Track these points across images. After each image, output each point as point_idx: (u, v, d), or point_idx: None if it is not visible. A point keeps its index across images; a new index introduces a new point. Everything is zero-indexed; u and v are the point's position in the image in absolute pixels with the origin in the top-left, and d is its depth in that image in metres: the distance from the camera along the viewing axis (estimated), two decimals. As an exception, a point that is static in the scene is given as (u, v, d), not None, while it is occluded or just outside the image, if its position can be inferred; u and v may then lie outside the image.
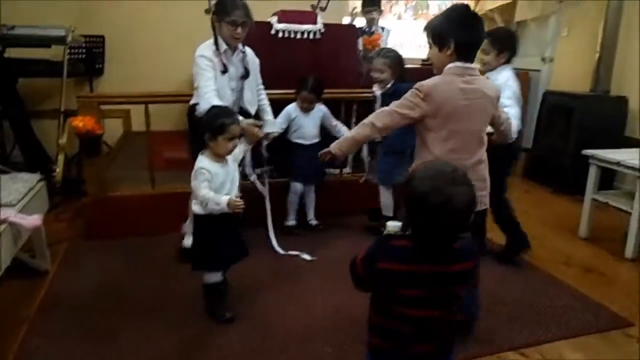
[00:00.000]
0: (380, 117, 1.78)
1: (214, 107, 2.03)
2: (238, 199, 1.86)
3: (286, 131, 2.83)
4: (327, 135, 2.82)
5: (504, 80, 2.39)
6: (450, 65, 1.68)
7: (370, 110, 2.64)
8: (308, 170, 2.82)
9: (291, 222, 2.96)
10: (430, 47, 1.74)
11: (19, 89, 3.58)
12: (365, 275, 1.23)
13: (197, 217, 1.94)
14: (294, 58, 3.04)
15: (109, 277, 2.35)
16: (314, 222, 2.99)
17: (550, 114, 4.20)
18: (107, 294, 2.20)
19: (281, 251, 2.65)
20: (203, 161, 1.87)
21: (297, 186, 2.88)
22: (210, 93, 2.24)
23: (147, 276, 2.37)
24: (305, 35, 3.07)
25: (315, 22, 3.08)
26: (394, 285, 1.16)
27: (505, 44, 2.45)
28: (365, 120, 1.82)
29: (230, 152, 1.91)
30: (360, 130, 1.83)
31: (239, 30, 2.29)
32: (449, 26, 1.68)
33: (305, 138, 2.84)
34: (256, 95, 2.57)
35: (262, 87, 2.63)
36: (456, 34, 1.66)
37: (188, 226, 2.47)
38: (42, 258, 2.36)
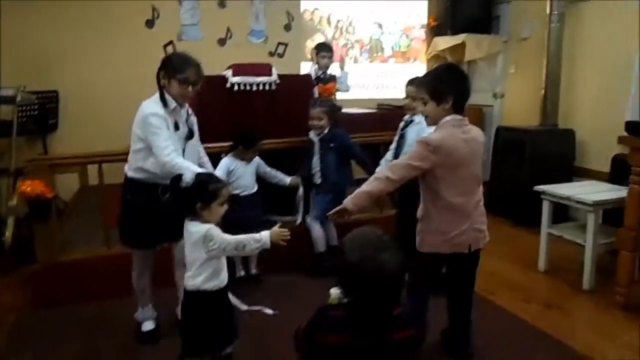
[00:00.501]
0: (394, 170, 1.91)
1: (198, 174, 1.90)
2: (282, 229, 1.82)
3: None
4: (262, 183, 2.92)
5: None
6: (448, 118, 1.89)
7: (308, 154, 2.96)
8: (248, 220, 2.69)
9: (239, 272, 2.90)
10: (426, 103, 1.95)
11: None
12: (307, 347, 1.21)
13: (190, 295, 1.76)
14: (251, 110, 3.07)
15: (60, 352, 2.22)
16: (253, 271, 2.93)
17: (504, 148, 4.35)
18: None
19: (244, 307, 2.58)
20: (206, 225, 1.75)
21: None
22: (174, 154, 2.06)
23: (104, 348, 2.26)
24: (261, 87, 3.11)
25: (270, 74, 3.13)
26: (333, 359, 1.15)
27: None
28: (379, 175, 1.94)
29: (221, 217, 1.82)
30: (376, 184, 1.91)
31: (190, 89, 2.23)
32: (447, 84, 1.90)
33: (246, 188, 2.83)
34: (197, 154, 2.46)
35: (200, 144, 2.53)
36: (454, 91, 1.89)
37: (145, 311, 2.37)
38: (-14, 334, 2.22)
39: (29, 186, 2.42)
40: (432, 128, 2.00)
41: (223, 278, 1.81)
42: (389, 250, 1.12)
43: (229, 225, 2.54)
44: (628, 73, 3.63)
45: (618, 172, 3.14)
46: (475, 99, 5.46)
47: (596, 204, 2.77)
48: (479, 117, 5.31)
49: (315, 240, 3.00)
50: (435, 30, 5.44)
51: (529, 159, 4.05)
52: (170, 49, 4.54)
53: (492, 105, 5.24)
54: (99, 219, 2.81)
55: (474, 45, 4.95)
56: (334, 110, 3.03)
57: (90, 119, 4.28)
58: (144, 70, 4.38)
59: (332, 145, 2.95)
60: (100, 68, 4.30)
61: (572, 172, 4.07)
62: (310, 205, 3.09)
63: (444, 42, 5.18)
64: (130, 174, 2.22)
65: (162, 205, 2.14)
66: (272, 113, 3.10)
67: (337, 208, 1.94)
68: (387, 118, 4.03)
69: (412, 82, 2.72)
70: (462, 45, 4.96)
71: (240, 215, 2.65)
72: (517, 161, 4.15)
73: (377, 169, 2.49)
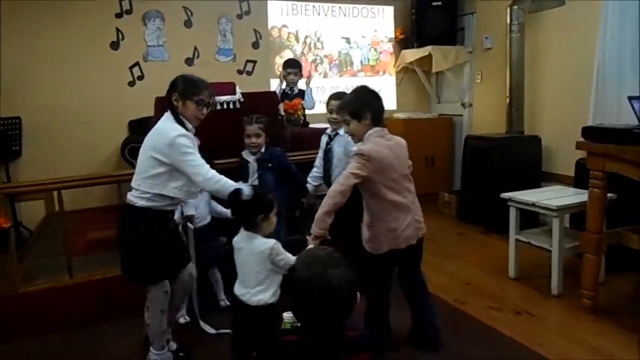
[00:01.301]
0: (341, 182, 2.06)
1: (253, 186, 2.05)
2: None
3: None
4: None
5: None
6: (372, 131, 2.14)
7: (242, 176, 2.76)
8: (207, 253, 2.64)
9: (181, 318, 2.61)
10: (349, 123, 2.19)
11: None
12: None
13: (258, 310, 1.70)
14: (216, 129, 3.03)
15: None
16: (223, 303, 2.78)
17: (473, 157, 4.40)
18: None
19: (211, 330, 2.52)
20: (271, 240, 1.79)
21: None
22: (214, 172, 2.01)
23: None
24: (225, 106, 3.09)
25: (234, 92, 3.12)
26: None
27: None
28: (330, 192, 2.07)
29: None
30: (330, 201, 2.03)
31: (204, 110, 2.16)
32: (363, 102, 2.17)
33: (201, 219, 2.64)
34: None
35: None
36: (370, 107, 2.16)
37: (164, 354, 2.19)
38: (-62, 375, 2.12)
39: (-17, 217, 2.35)
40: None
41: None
42: (339, 267, 1.12)
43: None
44: (588, 78, 3.72)
45: (581, 177, 3.19)
46: (445, 109, 5.58)
47: (560, 209, 2.80)
48: (449, 127, 5.39)
49: None
50: (402, 43, 5.52)
51: (498, 167, 4.11)
52: (136, 70, 4.50)
53: (461, 115, 5.32)
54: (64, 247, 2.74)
55: (441, 56, 5.04)
56: (271, 126, 2.85)
57: (55, 144, 4.19)
58: (112, 93, 4.41)
59: (270, 165, 2.76)
60: (65, 92, 4.22)
61: (540, 177, 4.14)
62: None
63: (412, 55, 5.26)
64: (142, 203, 2.02)
65: (172, 233, 2.14)
66: (237, 131, 3.07)
67: (310, 241, 1.98)
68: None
69: (334, 97, 2.82)
70: (429, 57, 5.05)
71: (198, 248, 2.56)
72: (487, 169, 4.20)
73: (308, 186, 2.91)
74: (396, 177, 2.13)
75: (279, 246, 1.75)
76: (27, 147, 4.11)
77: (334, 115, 2.77)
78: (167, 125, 2.06)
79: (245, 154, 2.84)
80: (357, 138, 2.19)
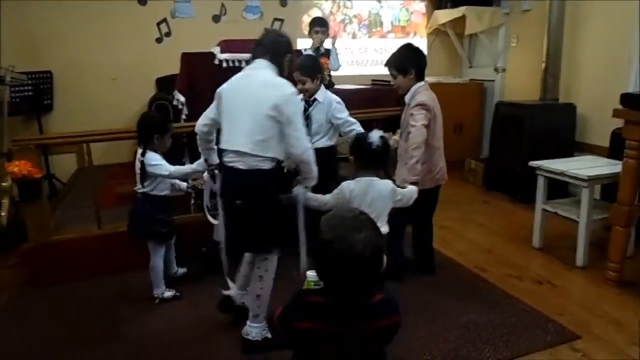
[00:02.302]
0: (420, 133, 2.30)
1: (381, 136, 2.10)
2: None
3: None
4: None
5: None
6: (419, 85, 2.45)
7: None
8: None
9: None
10: (395, 77, 2.47)
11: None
12: (283, 333, 1.19)
13: None
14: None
15: (51, 329, 2.25)
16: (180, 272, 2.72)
17: (503, 123, 4.27)
18: (48, 348, 2.11)
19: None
20: (389, 181, 2.08)
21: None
22: None
23: (93, 325, 2.29)
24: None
25: (259, 50, 3.06)
26: (311, 346, 1.13)
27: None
28: (414, 144, 2.28)
29: None
30: (418, 152, 2.27)
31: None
32: (409, 59, 2.45)
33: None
34: None
35: None
36: (414, 63, 2.44)
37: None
38: (-22, 313, 2.26)
39: (16, 166, 2.42)
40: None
41: None
42: (364, 231, 1.07)
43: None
44: (631, 45, 3.50)
45: (616, 148, 3.06)
46: (477, 73, 5.38)
47: (591, 179, 2.71)
48: (480, 92, 5.22)
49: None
50: (435, 3, 5.30)
51: (529, 135, 3.97)
52: (163, 26, 4.48)
53: (493, 80, 5.13)
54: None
55: (475, 18, 4.82)
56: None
57: (86, 99, 4.27)
58: (140, 49, 4.41)
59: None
60: (93, 47, 4.26)
61: (573, 147, 3.99)
62: None
63: (445, 16, 5.05)
64: (268, 165, 1.90)
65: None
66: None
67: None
68: (382, 94, 3.95)
69: (297, 68, 2.58)
70: (462, 19, 4.84)
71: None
72: (517, 137, 4.07)
73: None
74: (440, 126, 2.47)
75: (394, 186, 2.08)
76: (59, 101, 4.21)
77: (299, 87, 2.57)
78: (279, 79, 1.93)
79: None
80: (402, 91, 2.48)
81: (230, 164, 1.92)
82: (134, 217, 2.45)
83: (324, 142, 2.72)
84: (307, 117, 2.70)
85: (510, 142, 4.14)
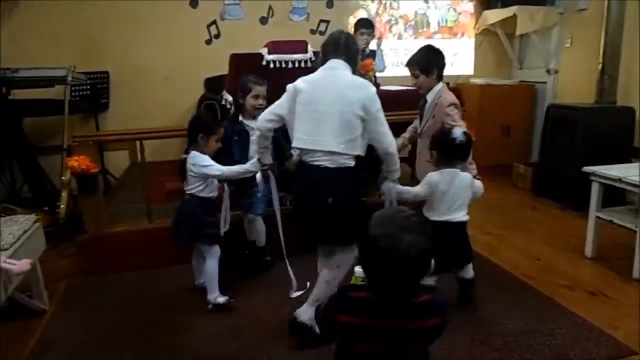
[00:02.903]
0: (461, 123, 2.38)
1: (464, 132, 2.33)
2: None
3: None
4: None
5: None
6: (440, 85, 2.52)
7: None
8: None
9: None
10: (417, 77, 2.50)
11: (27, 127, 3.72)
12: (326, 326, 1.21)
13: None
14: (286, 87, 3.06)
15: (106, 315, 2.37)
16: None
17: (554, 127, 4.11)
18: (103, 332, 2.22)
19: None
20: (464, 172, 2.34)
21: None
22: None
23: (144, 313, 2.39)
24: (297, 64, 3.10)
25: (305, 51, 3.11)
26: (353, 340, 1.14)
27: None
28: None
29: None
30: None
31: None
32: (432, 59, 2.49)
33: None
34: None
35: None
36: (437, 63, 2.49)
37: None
38: (39, 298, 2.40)
39: (76, 161, 2.56)
40: None
41: None
42: (413, 232, 1.07)
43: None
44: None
45: (680, 154, 2.89)
46: (527, 75, 5.22)
47: (651, 187, 2.57)
48: (530, 95, 5.06)
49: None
50: (484, 3, 5.16)
51: (582, 139, 3.81)
52: (213, 28, 4.61)
53: (545, 82, 4.95)
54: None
55: (527, 17, 4.66)
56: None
57: (139, 98, 4.44)
58: (190, 50, 4.56)
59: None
60: (147, 48, 4.44)
61: (631, 153, 3.79)
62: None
63: (494, 15, 4.92)
64: (353, 163, 1.98)
65: None
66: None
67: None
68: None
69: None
70: (513, 18, 4.69)
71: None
72: (569, 141, 3.91)
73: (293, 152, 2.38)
74: None
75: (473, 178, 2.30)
76: (114, 100, 4.41)
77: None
78: (362, 80, 2.05)
79: (247, 121, 2.60)
80: (423, 91, 2.53)
81: (316, 163, 1.97)
82: (183, 219, 2.40)
83: None
84: None
85: (563, 146, 3.98)
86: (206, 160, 2.33)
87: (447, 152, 2.26)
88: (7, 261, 1.91)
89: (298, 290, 2.43)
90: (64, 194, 3.26)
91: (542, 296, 2.50)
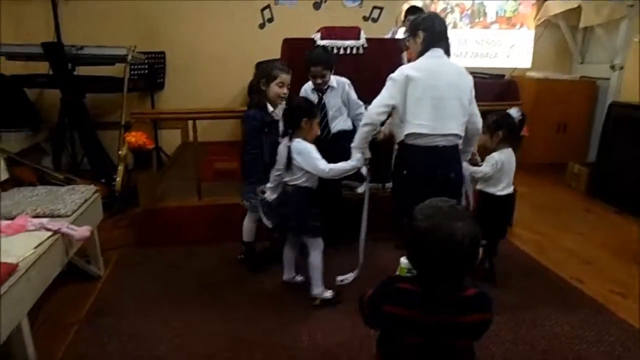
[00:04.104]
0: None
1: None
2: None
3: None
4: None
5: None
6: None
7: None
8: None
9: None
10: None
11: (87, 102, 3.91)
12: (371, 315, 1.22)
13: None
14: (338, 73, 3.05)
15: (156, 284, 2.49)
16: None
17: (616, 126, 3.90)
18: (150, 300, 2.34)
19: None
20: None
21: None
22: None
23: (190, 285, 2.49)
24: (349, 51, 3.08)
25: (358, 38, 3.08)
26: (398, 331, 1.14)
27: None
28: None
29: None
30: None
31: None
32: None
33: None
34: None
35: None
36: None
37: None
38: (96, 264, 2.55)
39: (134, 137, 2.68)
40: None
41: None
42: (462, 220, 1.07)
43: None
44: None
45: None
46: (589, 70, 4.95)
47: None
48: (591, 91, 4.81)
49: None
50: (548, -7, 4.93)
51: (646, 140, 3.59)
52: (267, 12, 4.65)
53: (608, 78, 4.68)
54: (195, 173, 3.03)
55: (592, 10, 4.42)
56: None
57: (193, 79, 4.57)
58: (244, 34, 4.62)
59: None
60: (202, 30, 4.55)
61: (700, 158, 3.55)
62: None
63: (557, 6, 4.69)
64: (460, 141, 2.27)
65: None
66: (359, 77, 3.05)
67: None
68: (481, 87, 3.75)
69: (316, 63, 2.60)
70: (577, 10, 4.47)
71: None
72: (632, 142, 3.70)
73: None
74: None
75: None
76: (170, 80, 4.55)
77: (319, 81, 2.64)
78: (461, 67, 2.27)
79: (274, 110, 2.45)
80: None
81: (434, 144, 2.18)
82: (289, 214, 2.22)
83: (342, 124, 2.76)
84: (323, 107, 2.68)
85: (624, 147, 3.77)
86: (314, 152, 2.18)
87: (507, 131, 2.44)
88: (69, 227, 2.03)
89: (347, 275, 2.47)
90: (121, 168, 3.42)
91: (592, 301, 2.40)
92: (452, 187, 2.23)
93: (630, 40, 4.47)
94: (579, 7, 4.41)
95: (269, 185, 2.32)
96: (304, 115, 2.17)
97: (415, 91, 2.15)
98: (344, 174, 2.24)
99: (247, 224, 2.64)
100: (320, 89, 2.69)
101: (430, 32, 2.23)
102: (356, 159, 2.26)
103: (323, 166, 2.14)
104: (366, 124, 2.28)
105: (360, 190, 2.37)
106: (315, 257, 2.26)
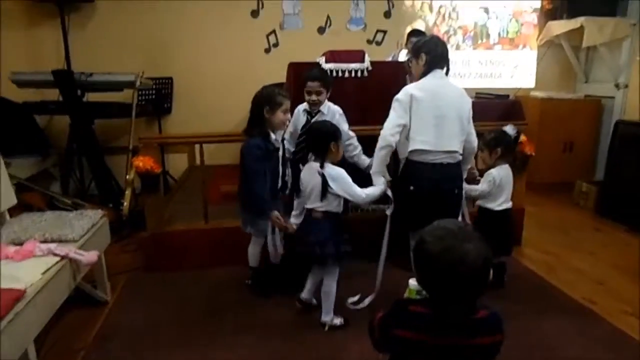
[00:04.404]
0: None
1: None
2: None
3: None
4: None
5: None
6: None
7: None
8: None
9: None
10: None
11: (95, 127, 3.96)
12: (381, 339, 1.20)
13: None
14: (343, 96, 3.08)
15: (164, 308, 2.48)
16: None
17: (622, 144, 3.89)
18: (159, 324, 2.32)
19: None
20: None
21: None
22: None
23: (198, 309, 2.48)
24: (353, 74, 3.12)
25: (362, 60, 3.12)
26: (408, 355, 1.12)
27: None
28: None
29: None
30: None
31: None
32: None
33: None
34: None
35: None
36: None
37: None
38: (102, 289, 2.54)
39: (141, 161, 2.71)
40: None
41: None
42: (473, 241, 1.06)
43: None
44: None
45: None
46: (593, 89, 4.97)
47: None
48: (596, 110, 4.82)
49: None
50: (549, 13, 4.99)
51: (655, 158, 3.57)
52: (272, 37, 4.73)
53: (612, 97, 4.70)
54: (202, 196, 3.04)
55: (595, 29, 4.46)
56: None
57: (199, 104, 4.63)
58: (249, 59, 4.70)
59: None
60: (209, 56, 4.63)
61: None
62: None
63: (559, 27, 4.74)
64: (461, 158, 2.41)
65: None
66: (364, 99, 3.09)
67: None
68: (485, 107, 3.79)
69: (314, 78, 2.63)
70: (580, 30, 4.50)
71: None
72: (638, 160, 3.68)
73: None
74: None
75: None
76: (177, 105, 4.62)
77: (314, 97, 2.62)
78: (461, 88, 2.39)
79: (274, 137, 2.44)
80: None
81: (439, 161, 2.31)
82: (324, 242, 2.13)
83: None
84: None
85: (632, 165, 3.75)
86: (347, 177, 2.16)
87: (505, 148, 2.58)
88: (77, 252, 2.04)
89: (360, 301, 2.45)
90: (128, 192, 3.44)
91: (605, 323, 2.36)
92: (456, 203, 2.38)
93: (633, 58, 4.50)
94: (581, 27, 4.45)
95: (294, 213, 2.33)
96: (332, 139, 2.16)
97: (419, 110, 2.28)
98: (373, 199, 2.30)
99: (252, 250, 2.64)
100: (315, 105, 2.67)
101: (433, 55, 2.35)
102: (382, 183, 2.33)
103: (360, 192, 2.18)
104: (382, 147, 2.34)
105: (388, 212, 2.39)
106: (329, 285, 2.24)
